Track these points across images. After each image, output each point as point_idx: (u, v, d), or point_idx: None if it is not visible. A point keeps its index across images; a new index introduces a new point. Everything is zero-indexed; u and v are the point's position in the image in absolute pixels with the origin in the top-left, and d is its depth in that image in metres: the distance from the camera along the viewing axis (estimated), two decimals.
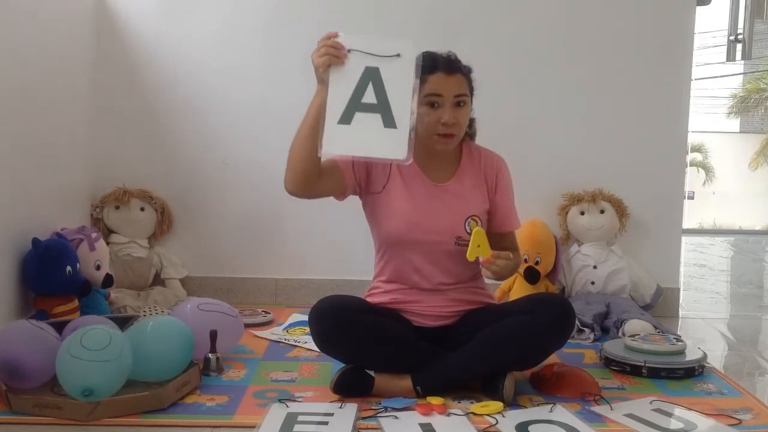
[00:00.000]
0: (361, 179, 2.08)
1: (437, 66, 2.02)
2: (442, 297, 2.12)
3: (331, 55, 1.81)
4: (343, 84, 1.83)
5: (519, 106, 3.11)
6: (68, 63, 2.91)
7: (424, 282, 2.11)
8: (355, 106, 1.83)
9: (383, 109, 1.83)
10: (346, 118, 1.83)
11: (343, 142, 1.84)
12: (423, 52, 2.03)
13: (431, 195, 2.08)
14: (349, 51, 1.83)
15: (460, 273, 2.13)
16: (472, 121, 2.16)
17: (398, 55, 1.84)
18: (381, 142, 1.83)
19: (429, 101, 2.00)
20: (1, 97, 2.36)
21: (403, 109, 1.83)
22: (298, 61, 3.10)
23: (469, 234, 2.05)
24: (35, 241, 2.44)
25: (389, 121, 1.83)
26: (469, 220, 2.07)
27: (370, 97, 1.83)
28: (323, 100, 1.83)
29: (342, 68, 1.83)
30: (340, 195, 2.07)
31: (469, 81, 2.09)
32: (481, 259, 1.97)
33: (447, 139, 2.04)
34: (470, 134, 2.19)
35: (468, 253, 1.96)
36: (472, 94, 2.10)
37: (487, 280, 2.22)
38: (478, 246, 1.95)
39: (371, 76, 1.83)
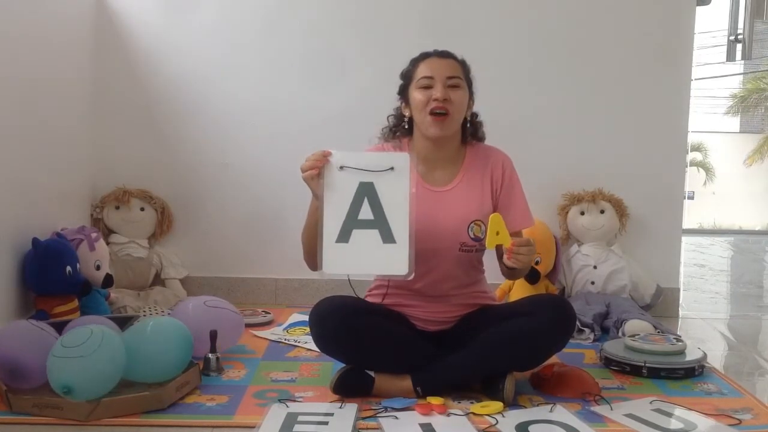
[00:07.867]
0: None
1: (430, 54, 2.08)
2: (445, 303, 2.12)
3: (314, 167, 1.82)
4: (338, 201, 1.82)
5: (519, 106, 3.11)
6: (68, 63, 2.91)
7: (429, 290, 2.09)
8: (352, 223, 1.82)
9: (381, 224, 1.82)
10: (343, 237, 1.82)
11: (342, 262, 1.83)
12: None
13: (431, 202, 2.04)
14: (341, 168, 1.82)
15: (464, 278, 2.12)
16: (477, 124, 2.14)
17: (392, 168, 1.83)
18: (381, 258, 1.82)
19: (421, 84, 2.02)
20: (1, 97, 2.36)
21: (401, 222, 1.82)
22: (297, 60, 3.14)
23: (473, 239, 2.04)
24: (35, 241, 2.44)
25: (388, 237, 1.82)
26: (472, 225, 2.05)
27: (366, 213, 1.82)
28: (321, 212, 1.83)
29: (336, 185, 1.82)
30: None
31: (465, 70, 2.08)
32: (503, 249, 1.85)
33: (440, 119, 1.99)
34: (479, 137, 2.15)
35: (487, 241, 1.86)
36: (469, 85, 2.09)
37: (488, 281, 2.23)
38: (497, 233, 1.84)
39: (366, 191, 1.82)
